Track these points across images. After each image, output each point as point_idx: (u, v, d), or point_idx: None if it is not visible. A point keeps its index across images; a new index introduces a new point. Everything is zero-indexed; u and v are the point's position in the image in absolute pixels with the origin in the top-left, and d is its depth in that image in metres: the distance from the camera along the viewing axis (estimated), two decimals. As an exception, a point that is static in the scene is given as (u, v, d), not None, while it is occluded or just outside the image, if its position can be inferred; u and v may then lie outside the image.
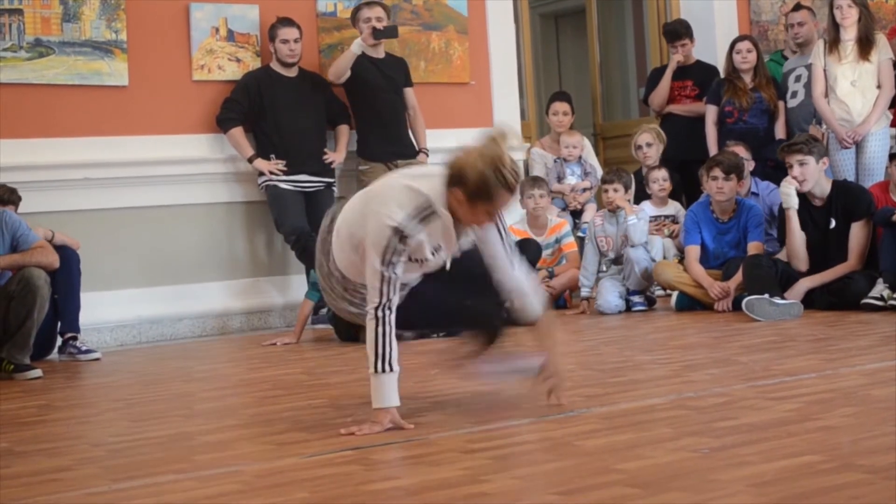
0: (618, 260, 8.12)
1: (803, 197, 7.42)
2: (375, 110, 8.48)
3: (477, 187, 3.98)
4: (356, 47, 8.33)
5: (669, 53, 9.82)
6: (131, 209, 7.98)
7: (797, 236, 7.37)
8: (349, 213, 4.22)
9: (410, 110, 8.70)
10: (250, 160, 8.17)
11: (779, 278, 7.21)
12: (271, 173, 8.16)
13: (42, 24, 7.72)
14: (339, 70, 8.39)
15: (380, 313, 3.97)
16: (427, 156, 8.60)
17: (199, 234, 8.24)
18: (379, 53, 8.55)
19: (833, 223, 7.35)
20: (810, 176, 7.31)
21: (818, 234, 7.40)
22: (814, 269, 7.35)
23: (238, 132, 8.20)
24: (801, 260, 7.37)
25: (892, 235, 7.13)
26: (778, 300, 6.96)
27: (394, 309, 3.98)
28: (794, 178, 7.31)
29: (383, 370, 3.98)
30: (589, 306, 8.06)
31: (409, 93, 8.70)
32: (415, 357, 6.13)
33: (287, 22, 8.27)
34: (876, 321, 6.43)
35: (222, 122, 8.21)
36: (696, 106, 9.40)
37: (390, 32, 8.44)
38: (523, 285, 4.27)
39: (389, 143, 8.52)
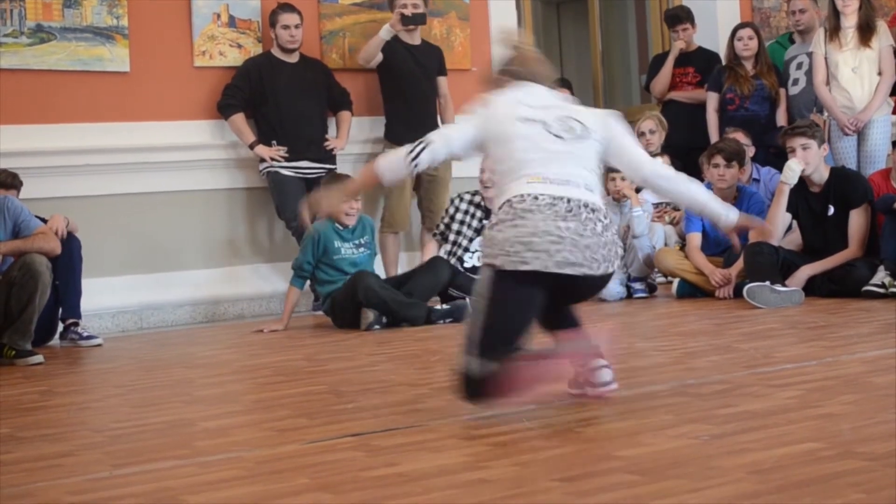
0: (619, 248, 8.12)
1: (801, 183, 7.41)
2: (406, 96, 8.51)
3: None
4: (384, 33, 8.37)
5: (671, 40, 9.82)
6: (132, 195, 7.99)
7: (781, 212, 7.39)
8: None
9: (442, 98, 8.74)
10: (251, 146, 8.17)
11: (780, 265, 7.20)
12: (272, 160, 8.16)
13: (43, 10, 7.71)
14: (368, 55, 8.44)
15: None
16: None
17: (200, 220, 8.25)
18: (415, 40, 8.59)
19: (831, 210, 7.35)
20: (812, 160, 7.31)
21: (816, 220, 7.40)
22: (812, 255, 7.36)
23: (239, 118, 8.20)
24: (776, 237, 7.39)
25: (893, 223, 7.13)
26: (779, 287, 6.96)
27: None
28: (799, 161, 7.30)
29: None
30: (590, 293, 8.04)
31: (442, 81, 8.75)
32: (416, 343, 6.14)
33: (288, 8, 8.27)
34: (877, 308, 6.42)
35: (223, 109, 8.21)
36: (697, 93, 9.40)
37: (419, 19, 8.47)
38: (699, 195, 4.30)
39: (416, 129, 8.46)
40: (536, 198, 3.82)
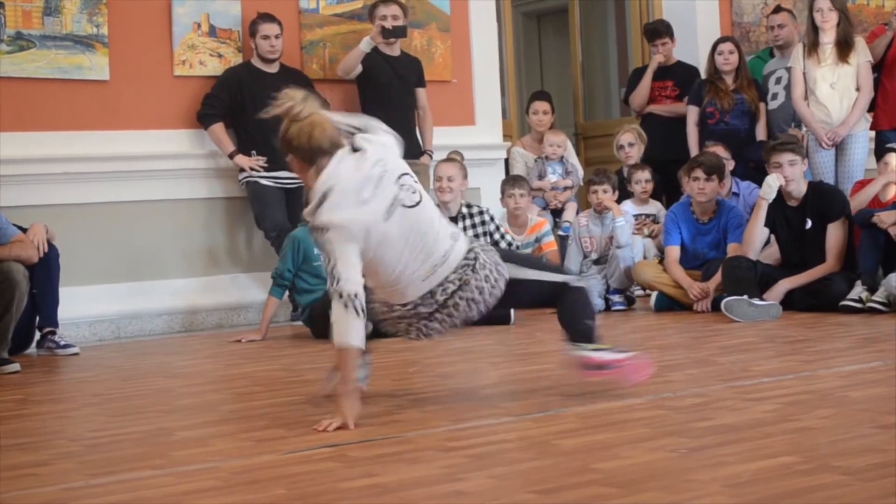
0: (599, 260, 8.15)
1: (780, 197, 7.44)
2: (384, 107, 8.49)
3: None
4: (364, 45, 8.37)
5: (650, 54, 9.85)
6: (111, 204, 7.97)
7: (759, 226, 7.43)
8: None
9: (420, 110, 8.75)
10: (231, 156, 8.16)
11: (758, 279, 7.22)
12: (252, 169, 8.15)
13: (23, 18, 7.69)
14: (348, 66, 8.45)
15: None
16: (431, 157, 8.64)
17: (179, 229, 8.23)
18: (394, 51, 8.60)
19: (809, 224, 7.38)
20: (798, 176, 7.35)
21: (793, 234, 7.43)
22: (790, 269, 7.38)
23: (219, 128, 8.19)
24: (754, 250, 7.44)
25: (871, 237, 7.17)
26: (757, 301, 6.98)
27: None
28: (785, 177, 7.32)
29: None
30: (569, 306, 8.06)
31: (421, 93, 8.75)
32: (393, 355, 6.13)
33: (267, 18, 8.27)
34: (854, 323, 6.45)
35: (203, 118, 8.20)
36: (676, 106, 9.42)
37: (399, 32, 8.48)
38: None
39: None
40: None
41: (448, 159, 7.97)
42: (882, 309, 6.79)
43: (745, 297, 6.96)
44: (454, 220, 7.80)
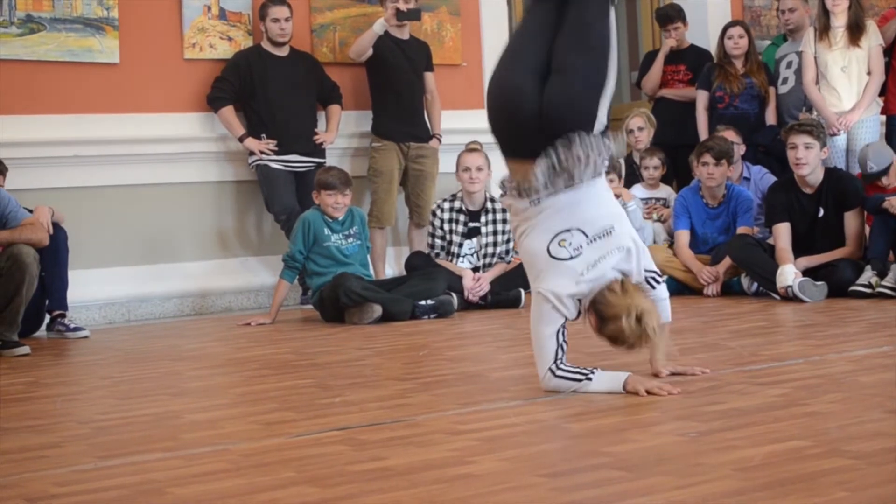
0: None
1: (793, 183, 7.42)
2: (394, 90, 8.52)
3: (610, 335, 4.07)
4: (378, 27, 8.36)
5: (662, 38, 9.81)
6: (121, 187, 7.97)
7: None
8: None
9: (428, 94, 8.75)
10: (241, 139, 8.16)
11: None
12: (262, 153, 8.14)
13: (33, 1, 7.69)
14: (361, 48, 8.44)
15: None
16: (440, 141, 8.66)
17: (189, 212, 8.23)
18: (403, 35, 8.60)
19: (822, 212, 7.35)
20: (812, 161, 7.31)
21: (805, 222, 7.40)
22: (799, 255, 7.34)
23: (229, 111, 8.19)
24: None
25: (882, 223, 7.15)
26: (816, 283, 6.97)
27: None
28: (798, 158, 7.29)
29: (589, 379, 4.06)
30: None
31: (429, 77, 8.75)
32: (403, 338, 6.14)
33: (278, 1, 8.26)
34: (864, 308, 6.44)
35: (213, 101, 8.19)
36: (688, 91, 9.38)
37: (413, 15, 8.47)
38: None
39: (404, 123, 8.57)
40: None
41: (472, 149, 7.91)
42: (892, 294, 6.77)
43: (809, 279, 6.94)
44: (477, 213, 7.80)
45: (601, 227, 4.09)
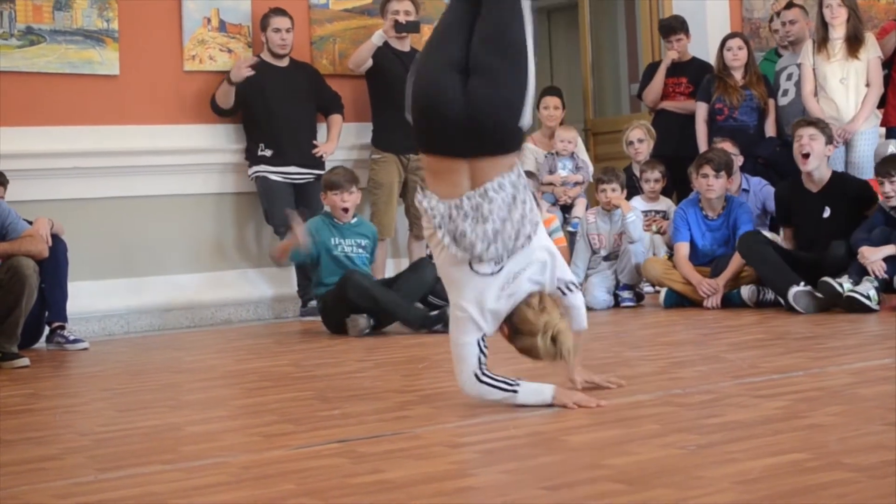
0: (608, 257, 8.14)
1: (799, 183, 7.45)
2: (394, 102, 8.49)
3: (523, 348, 4.07)
4: (377, 38, 8.38)
5: (663, 49, 9.82)
6: (121, 198, 7.98)
7: None
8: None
9: None
10: (230, 79, 8.17)
11: (791, 263, 7.22)
12: (248, 67, 8.18)
13: (34, 12, 7.70)
14: (359, 60, 8.46)
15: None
16: None
17: (188, 224, 8.24)
18: (404, 47, 8.61)
19: (827, 211, 7.35)
20: (816, 153, 7.32)
21: (811, 222, 7.40)
22: (805, 257, 7.31)
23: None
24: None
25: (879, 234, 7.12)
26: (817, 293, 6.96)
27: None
28: (801, 146, 7.31)
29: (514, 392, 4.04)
30: (577, 302, 8.06)
31: None
32: (402, 350, 6.14)
33: (279, 11, 8.29)
34: (864, 320, 6.44)
35: (216, 106, 8.23)
36: (689, 103, 9.36)
37: (412, 27, 8.48)
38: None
39: (404, 135, 8.50)
40: None
41: None
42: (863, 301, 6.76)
43: (809, 287, 6.93)
44: None
45: (521, 239, 4.03)
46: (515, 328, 4.02)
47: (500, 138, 4.00)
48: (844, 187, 7.43)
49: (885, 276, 6.88)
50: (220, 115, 8.25)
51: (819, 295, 6.92)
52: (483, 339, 4.04)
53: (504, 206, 3.96)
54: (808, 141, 7.32)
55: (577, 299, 4.26)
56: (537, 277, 4.06)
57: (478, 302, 3.98)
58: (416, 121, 4.17)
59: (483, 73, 4.02)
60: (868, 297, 6.73)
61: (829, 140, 7.45)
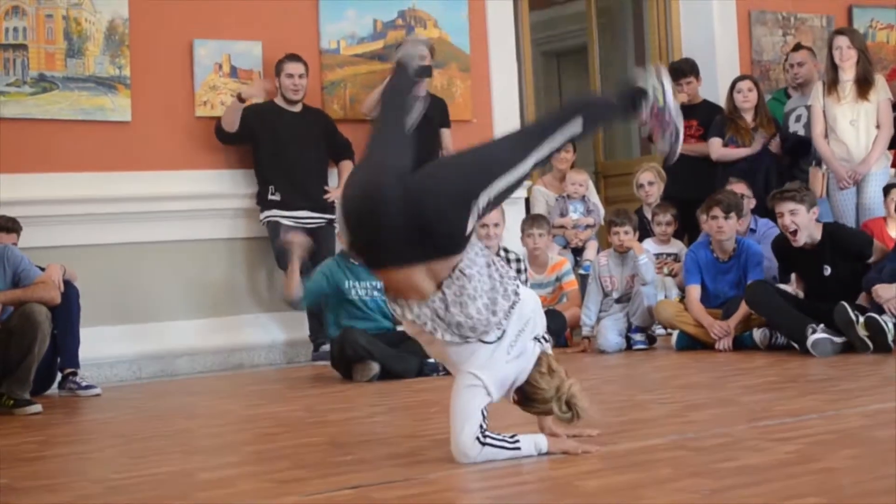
0: (620, 299, 8.13)
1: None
2: None
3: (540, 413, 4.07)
4: None
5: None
6: (133, 244, 7.99)
7: None
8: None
9: (444, 150, 8.75)
10: (240, 97, 8.18)
11: (799, 307, 7.19)
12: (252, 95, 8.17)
13: (46, 60, 7.75)
14: (373, 104, 8.47)
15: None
16: None
17: (200, 269, 8.25)
18: (420, 91, 8.61)
19: (828, 270, 7.29)
20: (802, 225, 7.25)
21: (813, 277, 7.36)
22: (813, 313, 7.27)
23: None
24: None
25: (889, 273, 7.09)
26: (836, 339, 6.90)
27: None
28: (785, 227, 7.27)
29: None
30: (589, 345, 8.07)
31: (446, 133, 8.79)
32: (414, 395, 6.13)
33: (293, 58, 8.34)
34: (878, 362, 6.42)
35: (219, 132, 8.24)
36: (700, 145, 9.36)
37: (424, 72, 8.47)
38: None
39: None
40: None
41: None
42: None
43: (827, 336, 6.90)
44: None
45: (511, 297, 3.97)
46: (527, 397, 4.00)
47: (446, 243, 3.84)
48: (840, 243, 7.32)
49: None
50: (224, 142, 8.25)
51: (837, 340, 6.88)
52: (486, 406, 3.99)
53: (484, 276, 3.91)
54: (791, 219, 7.24)
55: (549, 348, 4.20)
56: (537, 331, 4.06)
57: (490, 369, 3.92)
58: (353, 236, 3.90)
59: (430, 170, 3.95)
60: (887, 326, 6.72)
61: (812, 204, 7.36)
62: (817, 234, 7.31)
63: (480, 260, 3.92)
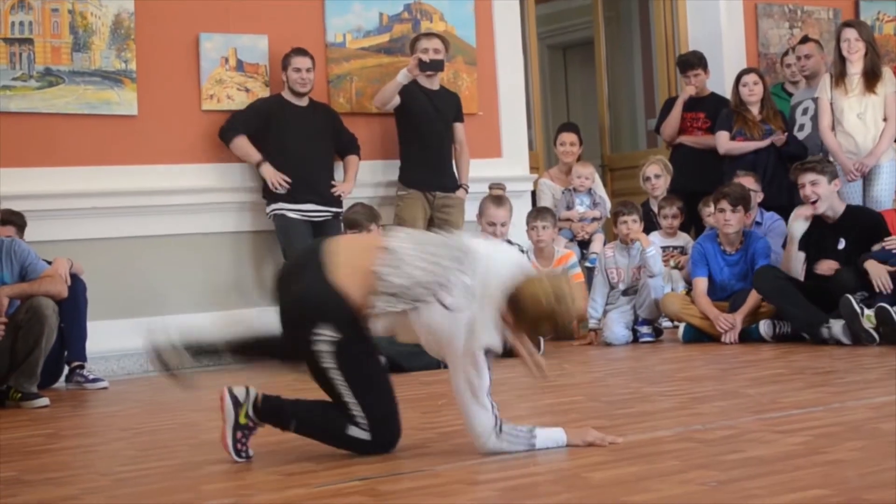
0: (626, 291, 8.13)
1: (816, 216, 7.45)
2: (422, 140, 8.54)
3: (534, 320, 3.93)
4: (401, 77, 8.39)
5: (679, 84, 9.84)
6: (139, 238, 7.99)
7: (794, 262, 7.57)
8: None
9: (457, 144, 8.75)
10: (258, 165, 8.17)
11: (811, 294, 7.22)
12: (275, 189, 8.12)
13: (52, 54, 7.75)
14: (384, 98, 8.47)
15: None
16: (467, 192, 8.66)
17: (206, 263, 8.25)
18: (433, 85, 8.63)
19: (842, 243, 7.35)
20: (822, 195, 7.32)
21: (825, 254, 7.40)
22: (821, 290, 7.29)
23: (243, 140, 8.17)
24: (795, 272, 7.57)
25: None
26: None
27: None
28: (806, 196, 7.33)
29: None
30: (596, 337, 8.07)
31: (459, 127, 8.77)
32: (421, 387, 6.13)
33: (300, 52, 8.32)
34: (884, 354, 6.41)
35: (225, 133, 8.19)
36: (707, 138, 9.36)
37: (436, 66, 8.50)
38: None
39: (431, 173, 8.58)
40: None
41: (496, 198, 7.97)
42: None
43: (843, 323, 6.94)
44: None
45: (455, 248, 4.01)
46: (518, 306, 3.89)
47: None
48: (858, 219, 7.45)
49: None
50: (227, 141, 8.23)
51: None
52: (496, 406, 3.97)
53: (409, 241, 4.03)
54: (812, 188, 7.33)
55: None
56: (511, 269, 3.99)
57: (482, 331, 3.89)
58: None
59: None
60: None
61: (833, 176, 7.45)
62: (840, 208, 7.44)
63: (401, 232, 4.13)
